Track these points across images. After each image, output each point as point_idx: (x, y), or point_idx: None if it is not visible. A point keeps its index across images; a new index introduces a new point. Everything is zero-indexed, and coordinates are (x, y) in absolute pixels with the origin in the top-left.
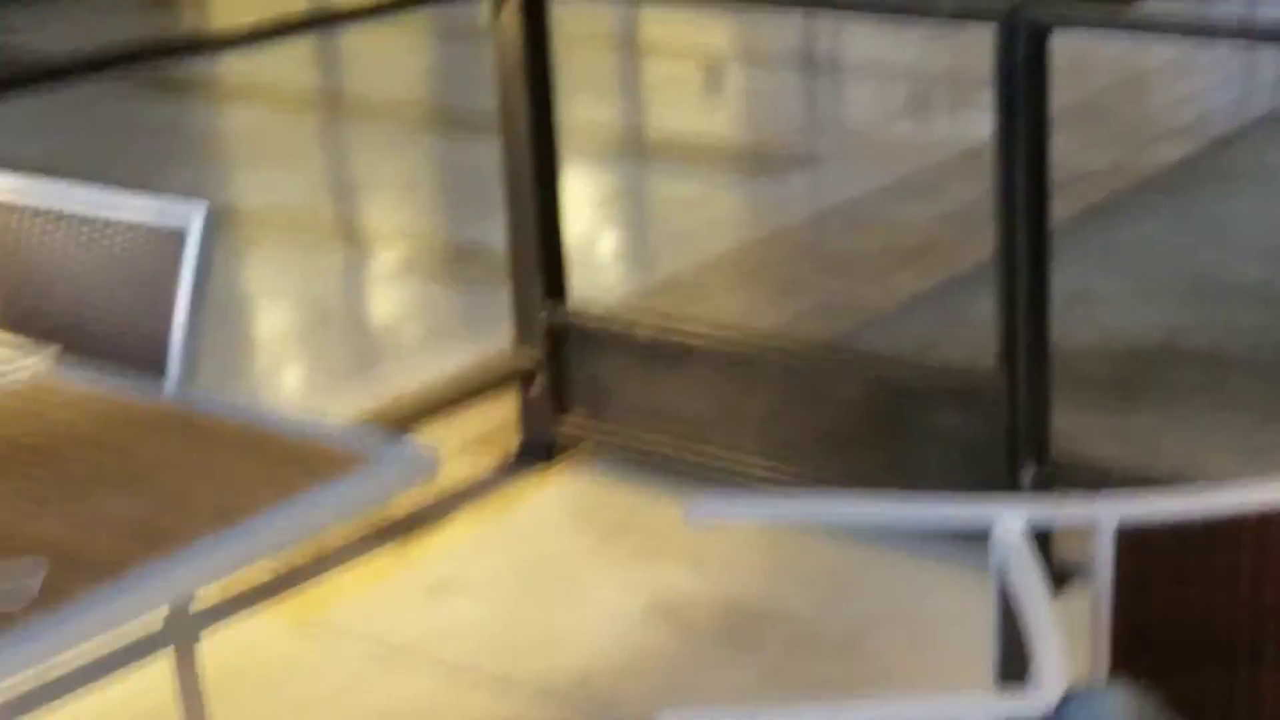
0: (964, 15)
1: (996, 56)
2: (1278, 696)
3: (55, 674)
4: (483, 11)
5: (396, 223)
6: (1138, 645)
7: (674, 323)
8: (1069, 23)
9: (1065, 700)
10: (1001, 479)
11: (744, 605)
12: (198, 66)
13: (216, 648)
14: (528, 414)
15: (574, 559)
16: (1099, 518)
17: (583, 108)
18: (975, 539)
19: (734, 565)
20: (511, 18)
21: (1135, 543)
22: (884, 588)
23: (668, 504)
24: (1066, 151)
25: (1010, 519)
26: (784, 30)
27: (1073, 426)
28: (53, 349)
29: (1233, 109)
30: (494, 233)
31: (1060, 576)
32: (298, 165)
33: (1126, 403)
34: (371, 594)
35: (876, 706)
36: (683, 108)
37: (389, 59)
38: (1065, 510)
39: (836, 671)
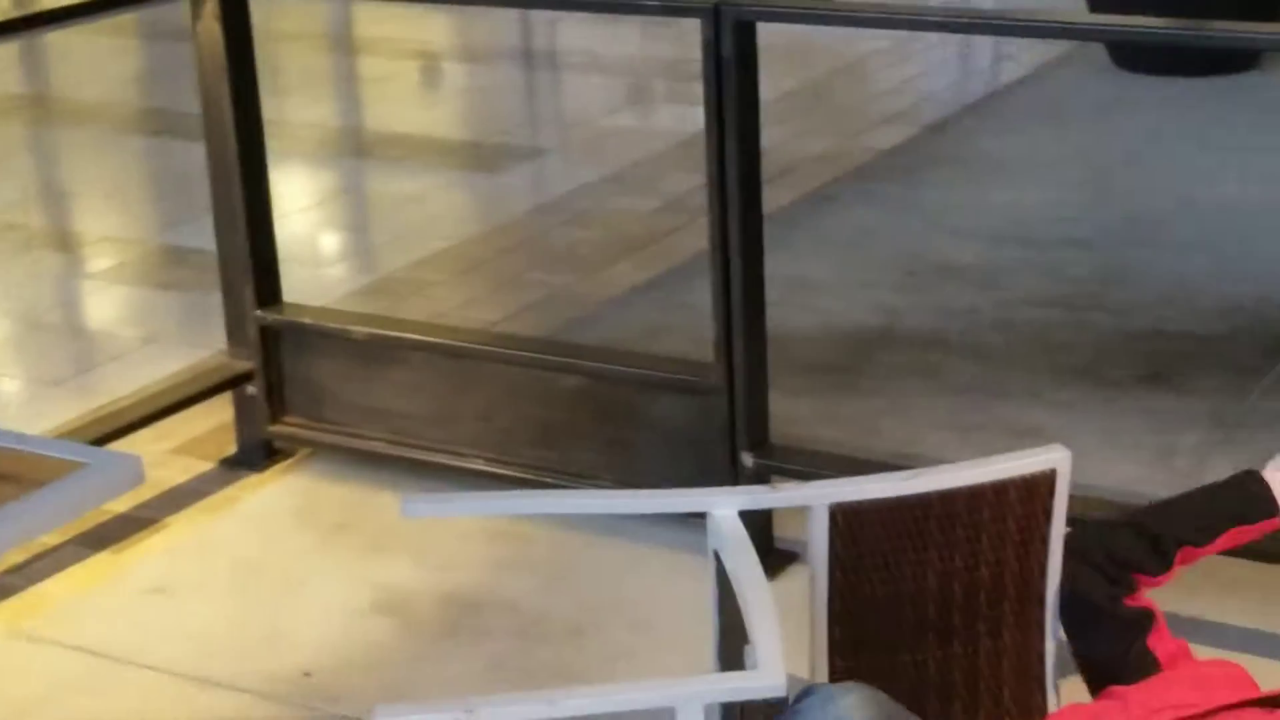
0: (670, 10)
1: (704, 49)
2: (992, 669)
3: None
4: (183, 13)
5: (108, 227)
6: (855, 623)
7: (390, 322)
8: (773, 15)
9: (801, 697)
10: (722, 466)
11: (468, 597)
12: None
13: None
14: (244, 417)
15: (294, 558)
16: (811, 502)
17: (299, 107)
18: (698, 523)
19: (457, 558)
20: (211, 19)
21: (849, 524)
22: (607, 574)
23: (388, 501)
24: (782, 140)
25: (725, 506)
26: (501, 26)
27: (793, 411)
28: None
29: (947, 95)
30: (209, 235)
31: (786, 557)
32: (3, 171)
33: (845, 386)
34: (85, 600)
35: (597, 692)
36: (400, 105)
37: (95, 61)
38: (779, 495)
39: (562, 659)
